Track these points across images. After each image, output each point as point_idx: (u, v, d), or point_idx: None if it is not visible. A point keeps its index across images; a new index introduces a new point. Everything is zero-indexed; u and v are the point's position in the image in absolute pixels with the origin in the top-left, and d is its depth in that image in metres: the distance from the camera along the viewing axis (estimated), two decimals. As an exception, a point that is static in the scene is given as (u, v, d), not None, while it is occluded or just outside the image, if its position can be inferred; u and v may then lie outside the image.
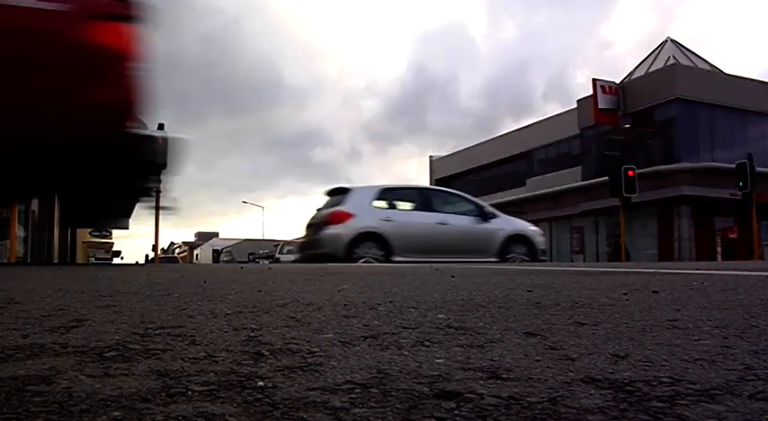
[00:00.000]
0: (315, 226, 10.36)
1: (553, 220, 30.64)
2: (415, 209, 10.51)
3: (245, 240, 60.20)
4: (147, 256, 41.65)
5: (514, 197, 31.71)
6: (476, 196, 37.75)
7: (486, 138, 37.82)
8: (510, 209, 32.10)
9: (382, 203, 10.27)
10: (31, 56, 4.86)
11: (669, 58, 29.38)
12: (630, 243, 22.89)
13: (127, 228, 34.16)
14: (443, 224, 10.22)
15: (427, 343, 1.54)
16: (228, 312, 2.16)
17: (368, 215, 9.91)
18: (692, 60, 30.02)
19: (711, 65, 30.82)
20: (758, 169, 18.56)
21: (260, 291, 3.04)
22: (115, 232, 41.69)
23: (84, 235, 40.12)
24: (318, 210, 10.92)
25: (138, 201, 8.38)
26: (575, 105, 29.86)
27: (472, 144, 38.36)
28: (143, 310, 2.20)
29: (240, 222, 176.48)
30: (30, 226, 16.93)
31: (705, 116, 25.92)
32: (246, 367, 1.26)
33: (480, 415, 0.93)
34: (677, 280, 3.92)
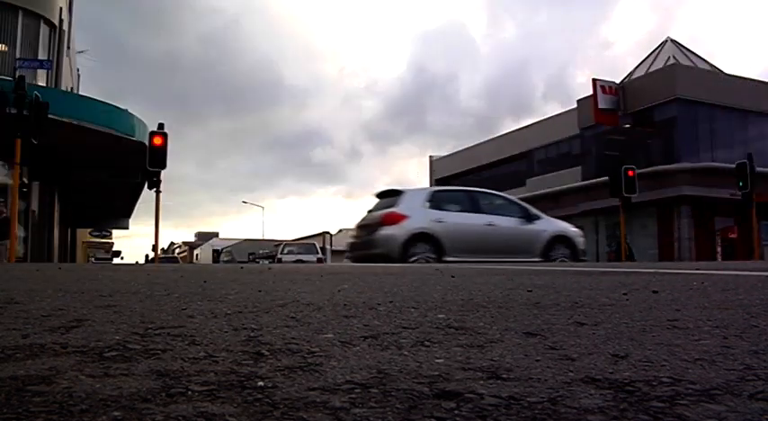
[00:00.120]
0: (368, 227, 10.63)
1: (553, 220, 30.60)
2: (464, 210, 10.74)
3: (245, 240, 60.15)
4: (147, 256, 41.67)
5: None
6: (476, 196, 36.98)
7: (486, 138, 37.83)
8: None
9: (433, 205, 10.53)
10: None
11: (669, 58, 29.36)
12: (632, 243, 22.87)
13: (127, 228, 34.32)
14: (491, 225, 10.51)
15: (427, 343, 1.53)
16: (228, 312, 2.16)
17: (421, 216, 10.17)
18: (692, 60, 30.00)
19: (711, 65, 30.79)
20: (758, 169, 18.54)
21: (260, 291, 3.04)
22: (115, 232, 41.77)
23: (84, 235, 40.15)
24: (369, 211, 11.23)
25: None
26: (575, 105, 29.84)
27: (472, 144, 38.36)
28: (143, 310, 2.20)
29: (240, 222, 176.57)
30: (30, 226, 16.93)
31: (705, 116, 25.89)
32: (246, 367, 1.26)
33: (480, 415, 0.93)
34: (677, 280, 3.92)
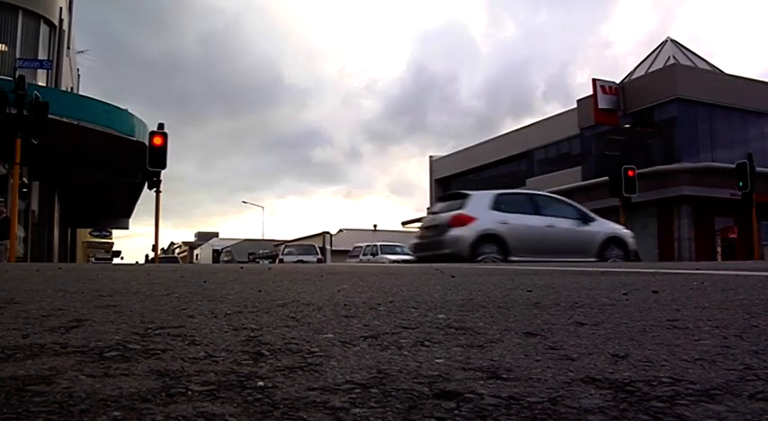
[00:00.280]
0: (435, 228, 11.15)
1: (553, 220, 30.61)
2: (526, 212, 11.22)
3: (245, 240, 60.21)
4: (147, 256, 41.67)
5: (514, 197, 31.70)
6: (476, 196, 36.95)
7: (486, 138, 37.83)
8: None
9: (497, 207, 11.01)
10: None
11: (669, 58, 29.35)
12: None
13: (127, 228, 34.32)
14: (551, 227, 11.05)
15: (427, 343, 1.54)
16: (228, 312, 2.16)
17: (487, 218, 10.66)
18: (692, 60, 29.99)
19: (711, 65, 30.78)
20: (758, 169, 18.55)
21: (260, 291, 3.04)
22: (115, 232, 41.78)
23: (84, 235, 40.16)
24: (433, 213, 11.76)
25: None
26: (575, 105, 29.84)
27: (472, 144, 38.35)
28: (143, 310, 2.20)
29: (240, 222, 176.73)
30: (30, 226, 16.93)
31: (705, 116, 25.88)
32: (246, 367, 1.26)
33: (480, 415, 0.93)
34: (677, 280, 3.92)
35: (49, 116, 12.46)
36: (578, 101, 29.46)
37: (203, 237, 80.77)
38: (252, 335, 1.66)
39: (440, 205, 12.11)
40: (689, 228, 24.68)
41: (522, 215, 11.07)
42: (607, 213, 25.50)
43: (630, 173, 18.00)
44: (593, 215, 11.74)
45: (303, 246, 28.74)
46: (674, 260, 22.41)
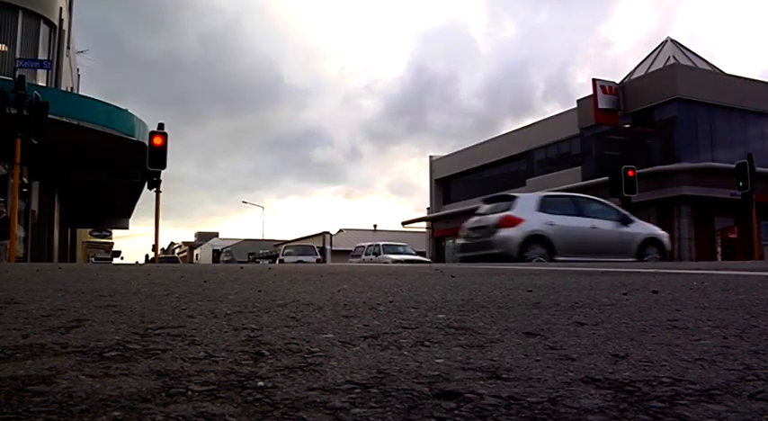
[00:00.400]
0: (483, 229, 11.60)
1: (553, 220, 30.61)
2: (570, 214, 11.68)
3: (245, 240, 60.21)
4: (147, 256, 41.67)
5: (514, 197, 31.70)
6: (476, 196, 37.52)
7: (486, 138, 37.82)
8: (510, 209, 32.21)
9: (543, 209, 11.45)
10: None
11: (669, 58, 29.35)
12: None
13: (127, 228, 34.33)
14: (594, 228, 11.49)
15: (427, 343, 1.54)
16: (228, 312, 2.16)
17: (534, 220, 11.09)
18: (692, 60, 29.99)
19: (711, 65, 30.78)
20: (758, 169, 18.54)
21: (260, 291, 3.04)
22: (115, 232, 41.79)
23: (84, 235, 40.16)
24: (479, 214, 12.28)
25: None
26: (575, 105, 29.84)
27: (472, 144, 38.34)
28: (143, 310, 2.20)
29: (240, 222, 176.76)
30: (30, 226, 16.93)
31: (705, 116, 25.87)
32: (246, 367, 1.26)
33: (480, 415, 0.93)
34: (677, 280, 3.92)
35: (49, 116, 12.46)
36: (578, 101, 29.46)
37: (203, 237, 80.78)
38: (252, 335, 1.66)
39: (485, 207, 12.49)
40: (689, 228, 24.68)
41: (566, 216, 11.47)
42: (607, 213, 25.50)
43: (630, 173, 18.00)
44: (632, 217, 12.20)
45: (302, 246, 28.87)
46: (673, 260, 22.41)
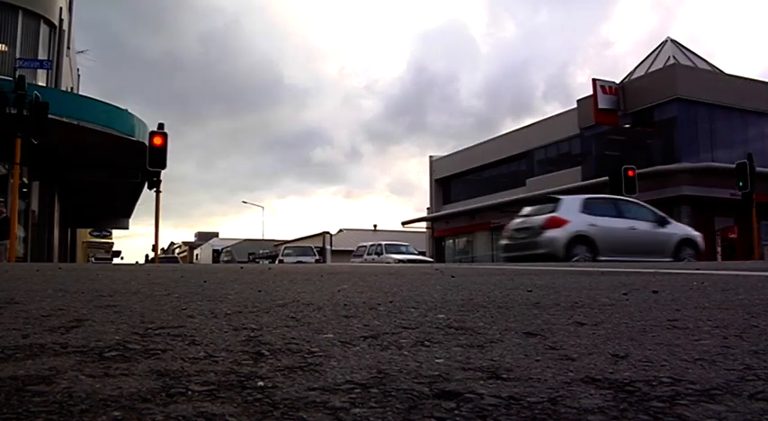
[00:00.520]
0: (528, 230, 12.06)
1: (553, 220, 30.63)
2: (611, 216, 12.14)
3: (245, 240, 60.22)
4: (147, 256, 41.67)
5: (514, 197, 31.72)
6: (476, 196, 37.30)
7: (486, 138, 37.80)
8: (510, 209, 32.21)
9: (586, 211, 11.92)
10: None
11: (669, 58, 29.34)
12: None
13: (127, 228, 34.33)
14: (633, 229, 11.95)
15: (427, 343, 1.54)
16: (228, 312, 2.16)
17: (579, 221, 11.57)
18: (692, 60, 29.98)
19: (711, 65, 30.77)
20: (758, 169, 18.54)
21: (260, 291, 3.04)
22: (115, 232, 41.78)
23: (84, 235, 40.15)
24: (524, 215, 12.78)
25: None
26: (575, 105, 29.83)
27: (472, 144, 38.33)
28: (143, 310, 2.20)
29: (240, 222, 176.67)
30: (30, 226, 16.93)
31: (705, 116, 25.87)
32: (246, 367, 1.26)
33: (480, 415, 0.93)
34: (677, 280, 3.92)
35: (49, 116, 12.46)
36: (578, 101, 29.45)
37: (203, 237, 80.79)
38: (252, 335, 1.66)
39: (528, 209, 13.03)
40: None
41: (608, 218, 11.94)
42: (607, 213, 25.50)
43: (630, 173, 18.01)
44: (668, 218, 12.68)
45: (301, 247, 28.98)
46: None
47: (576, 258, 10.88)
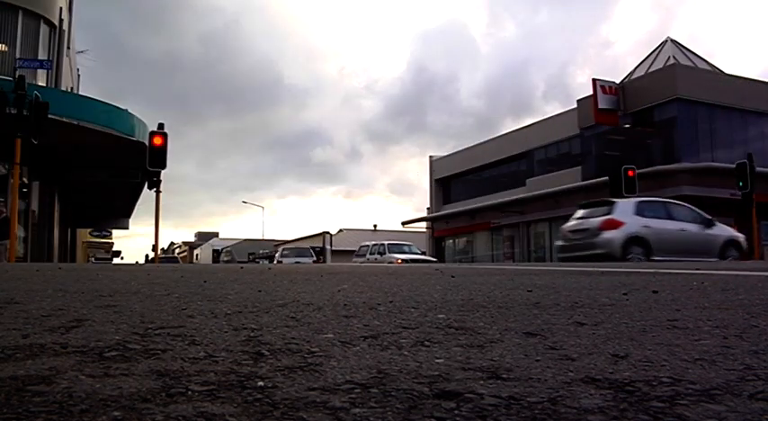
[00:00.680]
0: (585, 231, 12.71)
1: (553, 220, 30.63)
2: (662, 218, 12.75)
3: (245, 240, 60.22)
4: (147, 256, 41.66)
5: (514, 197, 31.73)
6: (476, 196, 37.19)
7: (486, 138, 37.80)
8: (510, 209, 32.23)
9: (639, 213, 12.53)
10: None
11: (669, 58, 29.34)
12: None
13: (127, 228, 34.33)
14: (683, 230, 12.60)
15: (427, 343, 1.54)
16: (228, 312, 2.16)
17: (633, 223, 12.22)
18: (692, 60, 29.98)
19: (711, 65, 30.77)
20: (758, 169, 18.53)
21: (260, 291, 3.04)
22: (115, 232, 41.78)
23: (84, 235, 40.15)
24: (578, 218, 13.44)
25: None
26: (575, 105, 29.83)
27: (472, 144, 38.32)
28: (143, 310, 2.20)
29: (240, 222, 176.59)
30: (30, 226, 16.93)
31: (705, 116, 25.86)
32: (246, 367, 1.26)
33: (480, 415, 0.93)
34: (677, 280, 3.92)
35: (49, 116, 12.46)
36: (578, 101, 29.45)
37: (203, 237, 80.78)
38: (252, 335, 1.66)
39: (582, 212, 13.65)
40: (689, 228, 24.62)
41: (659, 220, 12.56)
42: (607, 213, 25.49)
43: (630, 173, 18.01)
44: (714, 220, 13.25)
45: (298, 248, 29.05)
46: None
47: (630, 258, 11.40)
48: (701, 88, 25.59)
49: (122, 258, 51.13)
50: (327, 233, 37.57)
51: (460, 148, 39.56)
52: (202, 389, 1.07)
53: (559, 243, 13.88)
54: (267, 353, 1.41)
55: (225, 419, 0.91)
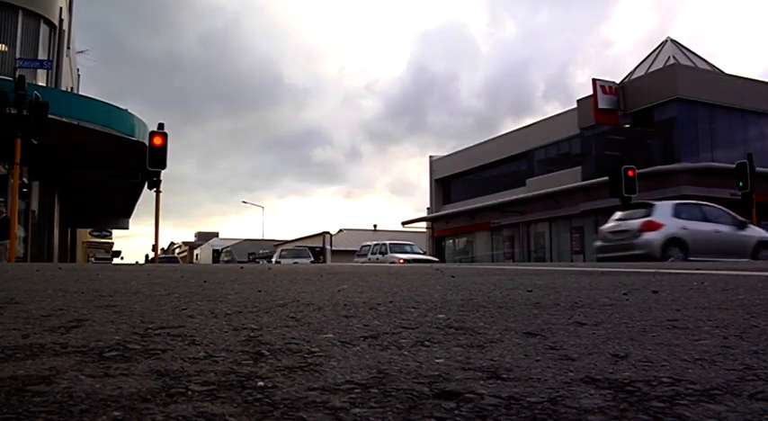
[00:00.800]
0: (624, 232, 13.16)
1: (553, 220, 30.62)
2: (698, 219, 13.22)
3: (245, 240, 60.22)
4: (147, 256, 41.67)
5: (514, 197, 31.73)
6: (476, 196, 37.17)
7: (486, 138, 37.80)
8: (510, 209, 32.23)
9: (676, 215, 13.00)
10: None
11: (669, 58, 29.34)
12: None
13: (127, 228, 34.33)
14: (718, 232, 13.02)
15: (427, 343, 1.54)
16: (228, 312, 2.16)
17: (672, 225, 12.70)
18: (692, 60, 29.98)
19: (711, 65, 30.77)
20: (758, 169, 18.54)
21: (260, 291, 3.04)
22: (115, 232, 41.78)
23: (84, 235, 40.15)
24: (617, 219, 13.93)
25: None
26: (575, 105, 29.82)
27: (472, 144, 38.32)
28: (143, 310, 2.20)
29: (240, 222, 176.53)
30: (30, 226, 16.93)
31: (705, 116, 25.86)
32: (246, 367, 1.26)
33: (480, 415, 0.93)
34: (677, 280, 3.92)
35: (49, 116, 12.46)
36: (578, 101, 29.45)
37: (203, 237, 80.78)
38: (252, 335, 1.66)
39: (620, 214, 14.25)
40: (689, 228, 24.62)
41: (696, 222, 13.04)
42: (607, 213, 25.52)
43: (630, 173, 18.00)
44: (747, 222, 13.80)
45: (296, 249, 29.08)
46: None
47: (669, 259, 11.77)
48: (701, 88, 25.59)
49: (122, 258, 51.17)
50: (327, 233, 37.59)
51: (460, 148, 39.57)
52: (202, 389, 1.07)
53: (599, 243, 14.28)
54: (267, 353, 1.41)
55: (225, 419, 0.91)
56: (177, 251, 77.20)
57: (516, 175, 33.48)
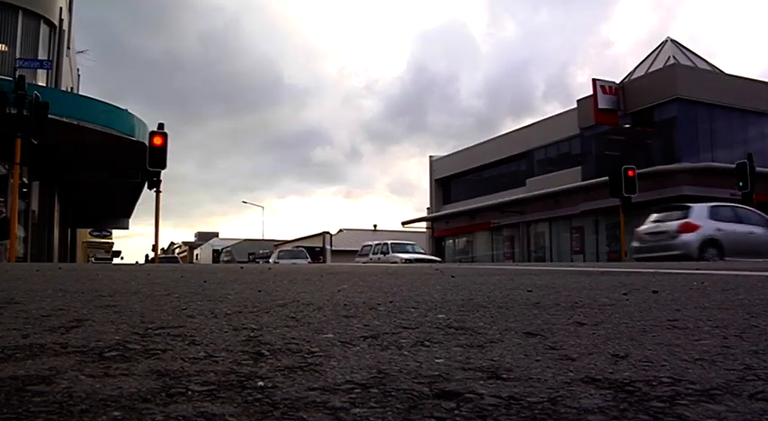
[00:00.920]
0: (662, 233, 13.57)
1: (553, 220, 30.62)
2: (732, 221, 13.71)
3: (245, 240, 60.22)
4: (147, 256, 41.66)
5: (514, 197, 31.73)
6: (476, 196, 37.19)
7: (486, 138, 37.79)
8: (510, 209, 32.22)
9: (712, 217, 13.42)
10: None
11: (669, 58, 29.33)
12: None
13: (127, 228, 34.34)
14: (752, 233, 13.54)
15: (427, 343, 1.54)
16: (228, 312, 2.16)
17: (708, 226, 13.13)
18: (692, 60, 29.98)
19: (711, 65, 30.77)
20: (758, 169, 18.55)
21: (260, 291, 3.05)
22: (115, 232, 41.79)
23: (84, 235, 40.15)
24: (653, 221, 14.28)
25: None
26: (575, 105, 29.82)
27: (472, 144, 38.31)
28: (143, 310, 2.21)
29: (240, 222, 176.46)
30: (30, 226, 16.93)
31: (705, 116, 25.86)
32: (246, 367, 1.26)
33: (480, 415, 0.93)
34: (677, 280, 3.92)
35: (49, 116, 12.46)
36: (578, 101, 29.45)
37: (203, 237, 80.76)
38: (252, 335, 1.66)
39: (656, 215, 14.54)
40: (689, 228, 24.62)
41: (730, 223, 13.52)
42: (607, 213, 25.54)
43: (630, 173, 18.01)
44: None
45: (294, 250, 29.08)
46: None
47: (706, 259, 12.08)
48: (701, 88, 25.59)
49: (122, 258, 51.17)
50: (327, 233, 37.59)
51: (460, 148, 39.56)
52: (202, 389, 1.07)
53: (636, 244, 14.51)
54: (267, 353, 1.41)
55: (225, 419, 0.91)
56: (177, 251, 77.20)
57: (516, 175, 33.48)
